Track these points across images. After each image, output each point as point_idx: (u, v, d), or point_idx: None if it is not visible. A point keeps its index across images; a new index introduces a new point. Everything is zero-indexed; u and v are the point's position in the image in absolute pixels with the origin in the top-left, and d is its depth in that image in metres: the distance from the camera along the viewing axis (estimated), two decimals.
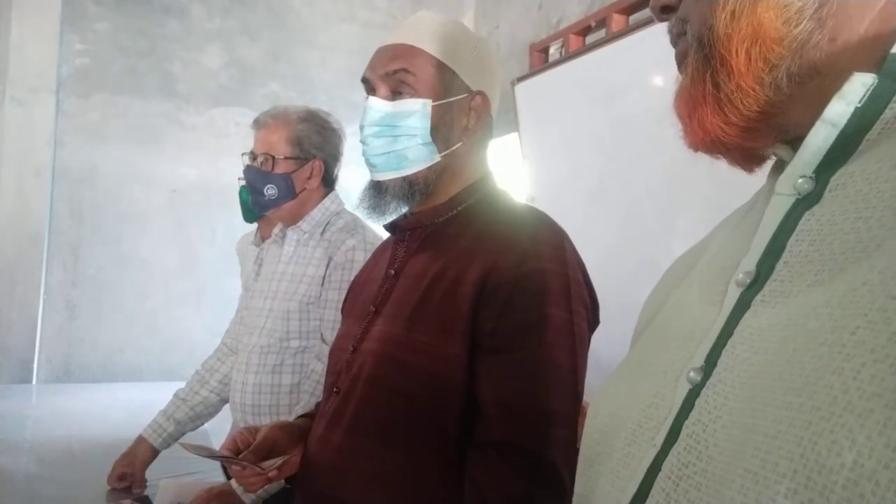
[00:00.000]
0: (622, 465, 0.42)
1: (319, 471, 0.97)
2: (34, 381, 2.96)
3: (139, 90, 3.21)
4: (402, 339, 0.93)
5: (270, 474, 0.95)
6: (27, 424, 2.12)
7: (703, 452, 0.36)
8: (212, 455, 0.98)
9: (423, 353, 0.90)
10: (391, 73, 0.98)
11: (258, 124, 1.65)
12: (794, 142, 0.40)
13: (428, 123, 0.98)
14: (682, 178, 1.87)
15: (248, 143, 1.71)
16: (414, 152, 0.98)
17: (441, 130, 0.99)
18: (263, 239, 1.94)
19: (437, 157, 0.99)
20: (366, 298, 1.05)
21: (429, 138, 0.98)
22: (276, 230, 1.70)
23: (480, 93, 1.02)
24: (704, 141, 0.42)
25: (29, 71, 2.99)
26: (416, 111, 0.97)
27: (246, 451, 0.96)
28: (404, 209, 1.02)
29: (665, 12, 0.45)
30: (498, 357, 0.87)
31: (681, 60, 0.44)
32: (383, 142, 0.98)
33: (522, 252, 0.89)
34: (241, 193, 2.04)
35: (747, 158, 0.44)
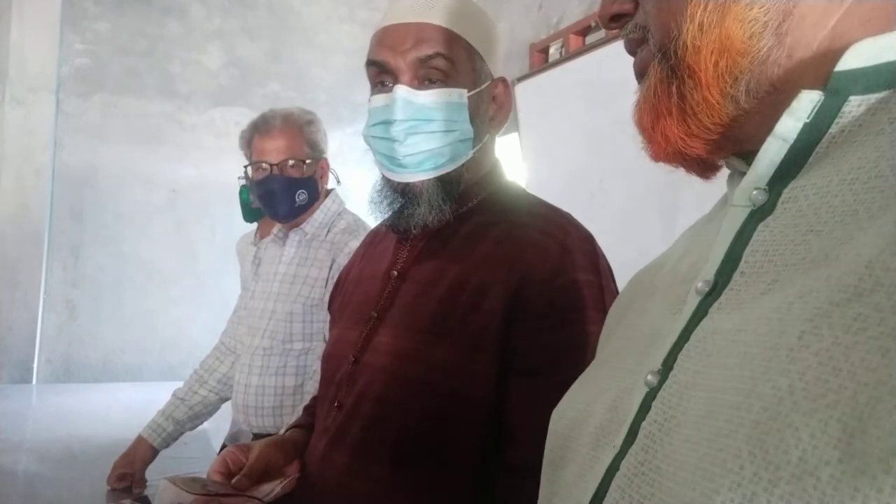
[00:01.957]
0: (587, 469, 0.43)
1: (322, 492, 0.89)
2: (34, 381, 2.96)
3: (139, 90, 3.21)
4: (417, 354, 0.84)
5: (267, 500, 0.87)
6: (27, 424, 2.12)
7: (659, 451, 0.37)
8: (206, 490, 0.87)
9: (445, 371, 0.82)
10: (425, 59, 0.84)
11: (263, 130, 1.59)
12: (748, 154, 0.42)
13: (467, 116, 0.87)
14: (683, 178, 1.86)
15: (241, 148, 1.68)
16: (452, 149, 0.87)
17: (476, 123, 0.89)
18: (263, 238, 1.94)
19: (470, 154, 0.89)
20: (362, 300, 0.96)
21: (470, 133, 0.88)
22: (275, 230, 1.70)
23: (502, 79, 0.92)
24: (667, 152, 0.43)
25: (29, 71, 2.99)
26: (454, 102, 0.86)
27: (239, 474, 0.88)
28: (442, 212, 0.89)
29: (615, 21, 0.45)
30: (533, 379, 0.80)
31: (642, 71, 0.44)
32: (419, 138, 0.85)
33: (555, 263, 0.81)
34: (241, 193, 2.04)
35: (705, 168, 0.45)
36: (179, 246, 3.27)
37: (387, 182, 0.91)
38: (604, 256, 0.88)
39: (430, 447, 0.83)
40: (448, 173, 0.88)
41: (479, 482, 0.82)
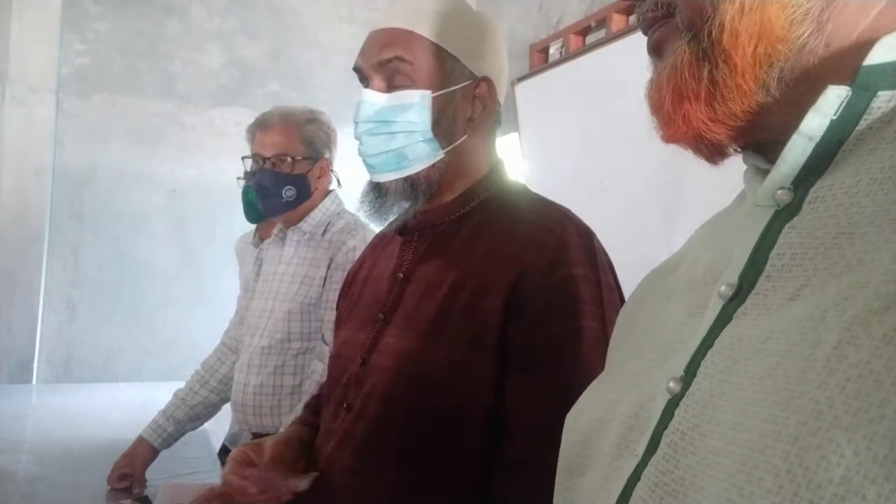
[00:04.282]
0: (609, 478, 0.42)
1: (327, 492, 0.90)
2: (34, 381, 2.95)
3: (139, 90, 3.21)
4: (420, 354, 0.86)
5: (301, 486, 0.88)
6: (27, 424, 2.11)
7: (682, 461, 0.36)
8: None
9: (445, 370, 0.83)
10: (385, 63, 0.89)
11: (263, 125, 1.63)
12: (768, 145, 0.40)
13: (428, 117, 0.89)
14: (682, 178, 1.87)
15: (247, 143, 1.71)
16: (414, 150, 0.90)
17: (443, 124, 0.90)
18: (262, 239, 1.94)
19: (441, 154, 0.91)
20: (370, 301, 0.98)
21: (430, 134, 0.90)
22: (276, 230, 1.70)
23: (485, 79, 0.93)
24: (685, 135, 0.41)
25: (29, 71, 2.99)
26: (415, 104, 0.89)
27: (256, 470, 0.90)
28: (409, 210, 0.94)
29: None
30: (529, 375, 0.81)
31: (659, 47, 0.42)
32: (380, 140, 0.90)
33: (552, 258, 0.82)
34: (246, 193, 2.04)
35: (716, 153, 0.43)
36: (179, 246, 3.27)
37: (368, 181, 0.95)
38: (603, 251, 0.89)
39: (433, 445, 0.84)
40: (416, 173, 0.91)
41: (482, 481, 0.83)
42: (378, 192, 0.93)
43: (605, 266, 0.87)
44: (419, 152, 0.90)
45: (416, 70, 0.89)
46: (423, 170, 0.91)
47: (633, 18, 2.33)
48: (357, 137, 0.91)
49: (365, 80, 0.92)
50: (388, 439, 0.86)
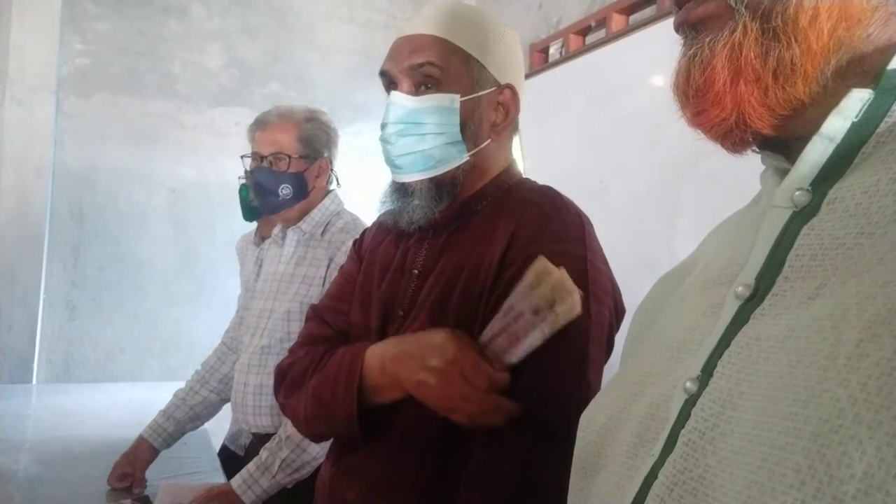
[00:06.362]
0: (625, 478, 0.42)
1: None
2: (34, 381, 2.95)
3: (139, 90, 3.21)
4: None
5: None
6: (27, 424, 2.11)
7: (700, 460, 0.36)
8: None
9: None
10: (416, 67, 0.91)
11: (262, 124, 1.64)
12: (788, 145, 0.40)
13: (457, 120, 0.91)
14: (682, 178, 1.86)
15: (248, 143, 1.71)
16: (441, 152, 0.92)
17: (470, 127, 0.93)
18: (263, 238, 1.94)
19: (466, 157, 0.94)
20: (367, 285, 1.01)
21: (458, 136, 0.92)
22: (276, 230, 1.70)
23: (509, 86, 0.97)
24: (724, 120, 0.39)
25: (29, 71, 2.99)
26: (444, 107, 0.91)
27: None
28: (432, 211, 0.95)
29: None
30: None
31: (699, 24, 0.40)
32: (409, 141, 0.91)
33: (536, 231, 0.86)
34: (240, 191, 2.04)
35: (738, 143, 0.41)
36: (179, 246, 3.27)
37: (391, 182, 0.97)
38: (594, 237, 0.92)
39: (429, 426, 0.86)
40: (442, 175, 0.93)
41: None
42: (403, 193, 0.95)
43: (595, 248, 0.90)
44: (446, 154, 0.93)
45: (445, 75, 0.91)
46: (448, 171, 0.93)
47: (633, 18, 2.32)
48: (385, 139, 0.93)
49: (392, 84, 0.94)
50: (422, 426, 0.88)
